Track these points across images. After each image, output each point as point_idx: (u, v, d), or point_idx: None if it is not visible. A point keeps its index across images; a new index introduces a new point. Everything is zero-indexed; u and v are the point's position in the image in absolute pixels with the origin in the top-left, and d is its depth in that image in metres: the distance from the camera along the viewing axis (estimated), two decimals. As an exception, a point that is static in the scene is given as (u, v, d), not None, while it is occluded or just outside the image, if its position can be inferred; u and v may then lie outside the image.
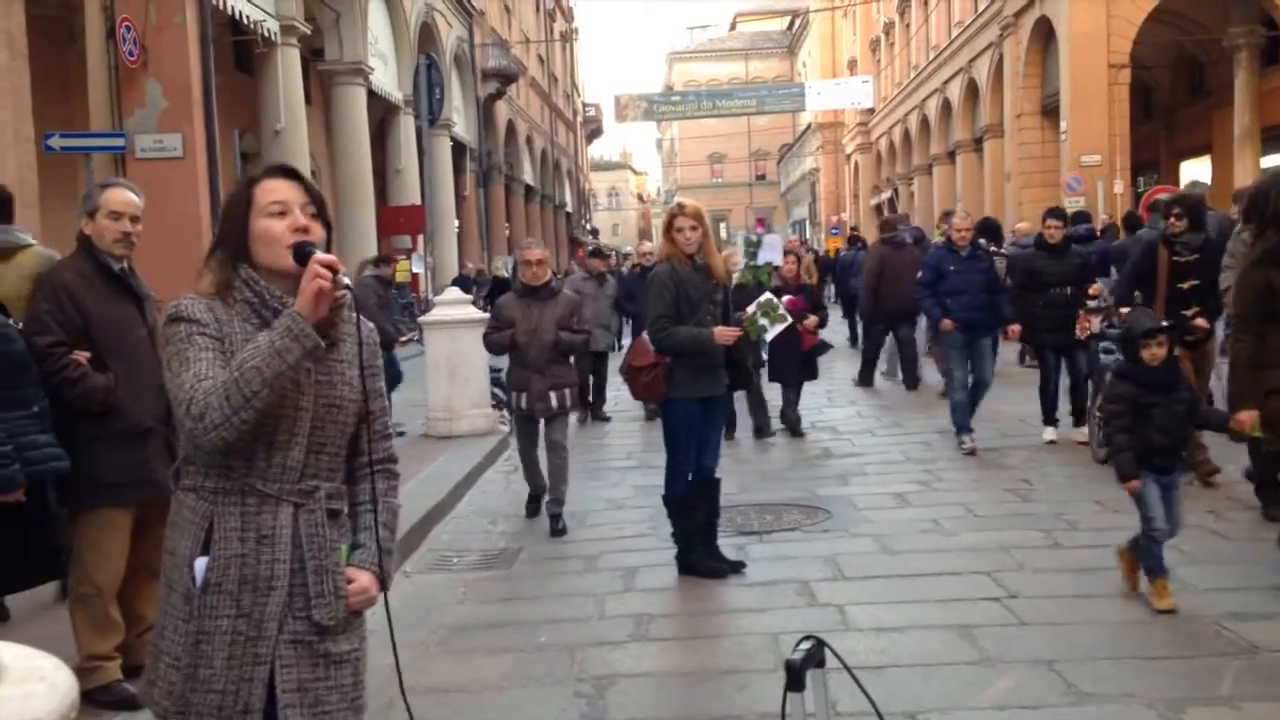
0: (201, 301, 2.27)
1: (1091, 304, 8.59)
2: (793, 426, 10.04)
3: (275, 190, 2.34)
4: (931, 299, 9.02)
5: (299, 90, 15.39)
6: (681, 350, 5.71)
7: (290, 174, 2.40)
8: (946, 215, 14.26)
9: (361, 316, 2.37)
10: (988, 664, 4.40)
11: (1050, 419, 8.88)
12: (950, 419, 9.04)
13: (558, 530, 6.89)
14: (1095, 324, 8.37)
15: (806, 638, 2.13)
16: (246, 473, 2.25)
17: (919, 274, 9.55)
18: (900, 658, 4.47)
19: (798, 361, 9.85)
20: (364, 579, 2.39)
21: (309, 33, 15.82)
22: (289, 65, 14.94)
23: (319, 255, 2.24)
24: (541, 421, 7.13)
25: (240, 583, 2.23)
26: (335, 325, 2.32)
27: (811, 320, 9.45)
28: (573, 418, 11.22)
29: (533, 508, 7.43)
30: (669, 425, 5.92)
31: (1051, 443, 8.68)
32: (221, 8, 12.72)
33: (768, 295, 8.01)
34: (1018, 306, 8.82)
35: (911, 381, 12.51)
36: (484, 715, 4.16)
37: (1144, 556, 5.04)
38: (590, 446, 10.36)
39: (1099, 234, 13.73)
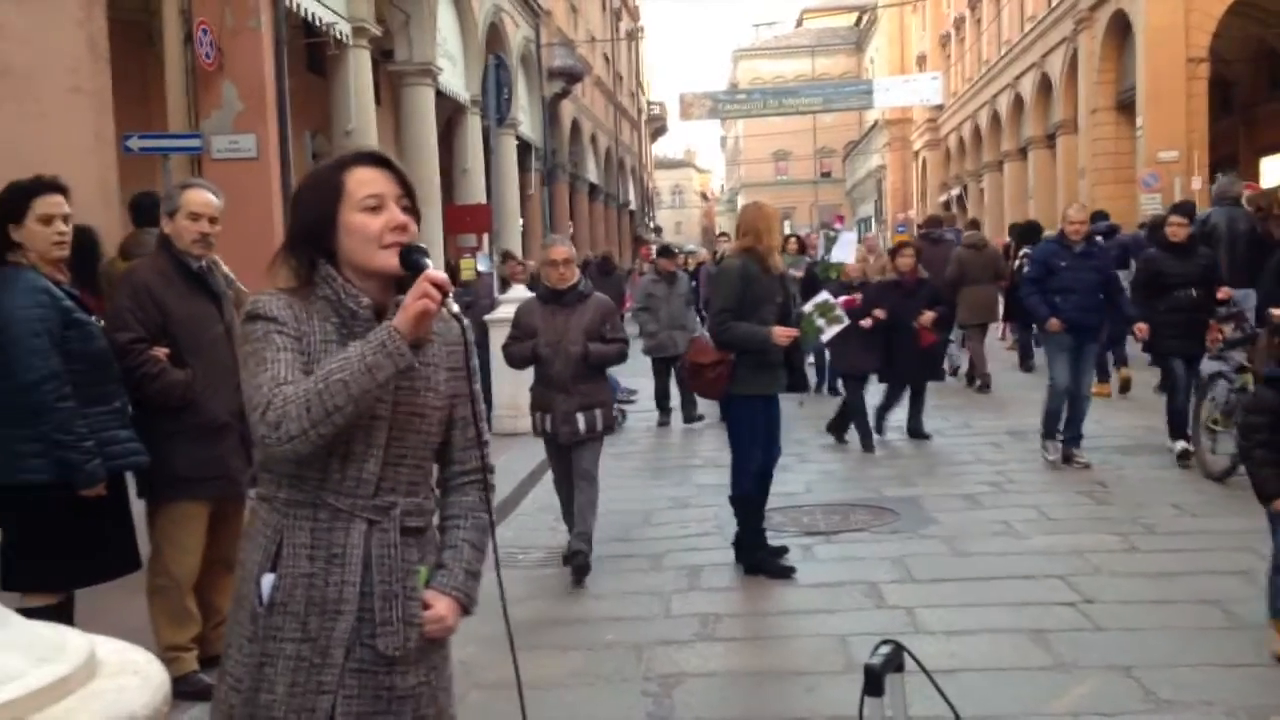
0: (281, 298, 2.12)
1: (1222, 310, 8.05)
2: (918, 435, 9.48)
3: (370, 181, 2.15)
4: (1038, 296, 8.24)
5: (369, 91, 15.55)
6: (739, 346, 5.71)
7: (382, 161, 2.21)
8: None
9: (462, 314, 2.17)
10: (1062, 669, 4.32)
11: (1182, 432, 7.96)
12: (1041, 423, 8.41)
13: (580, 570, 5.86)
14: (1229, 331, 7.90)
15: (885, 642, 2.10)
16: (319, 485, 2.10)
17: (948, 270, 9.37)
18: (971, 662, 4.41)
19: (916, 361, 9.36)
20: (442, 606, 2.19)
21: (379, 34, 16.00)
22: (360, 66, 15.11)
23: (432, 274, 2.06)
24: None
25: (307, 604, 2.08)
26: (426, 334, 2.13)
27: (928, 316, 9.17)
28: (650, 423, 11.21)
29: (577, 567, 5.94)
30: (734, 422, 5.91)
31: (1185, 454, 7.80)
32: (295, 10, 12.92)
33: (825, 296, 7.97)
34: (1140, 311, 8.12)
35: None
36: (553, 712, 4.16)
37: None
38: (655, 445, 10.38)
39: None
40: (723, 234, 17.43)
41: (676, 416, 11.10)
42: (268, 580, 2.09)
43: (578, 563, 5.86)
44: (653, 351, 11.15)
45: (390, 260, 2.13)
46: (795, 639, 4.91)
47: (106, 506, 3.83)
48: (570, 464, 6.10)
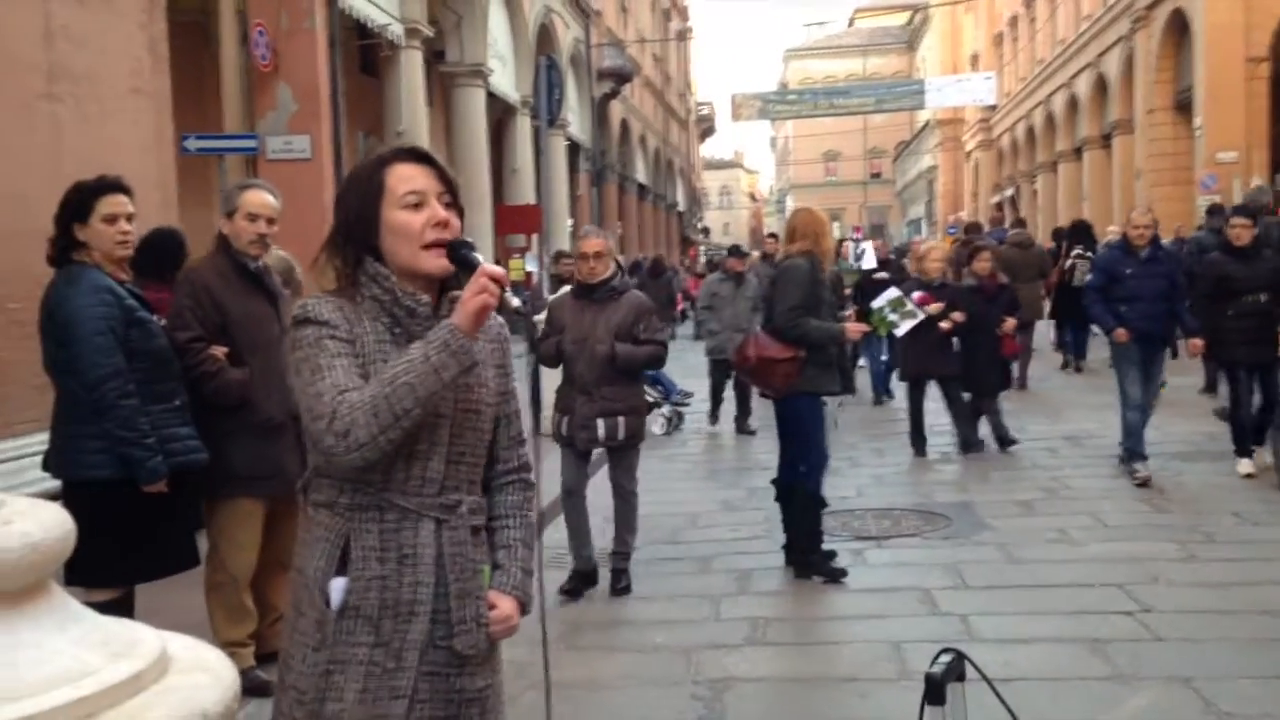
0: (330, 301, 2.06)
1: None
2: (1005, 438, 9.08)
3: (411, 178, 2.09)
4: (1102, 305, 7.83)
5: (421, 92, 15.67)
6: (811, 342, 5.74)
7: (423, 158, 2.15)
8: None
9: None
10: (1120, 680, 4.24)
11: (1245, 449, 7.63)
12: (1120, 443, 7.99)
13: (620, 589, 5.73)
14: None
15: (945, 650, 2.08)
16: (384, 486, 2.04)
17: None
18: (1027, 671, 4.34)
19: (999, 368, 9.17)
20: (506, 605, 2.17)
21: (432, 35, 16.12)
22: (412, 68, 15.24)
23: (489, 268, 2.02)
24: (601, 457, 5.94)
25: (380, 608, 2.02)
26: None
27: (1010, 323, 9.02)
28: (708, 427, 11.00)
29: (574, 586, 5.75)
30: (804, 420, 5.86)
31: (1250, 476, 7.47)
32: (348, 12, 13.05)
33: (897, 292, 7.92)
34: (1204, 318, 7.79)
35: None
36: (602, 713, 4.17)
37: None
38: (705, 448, 10.35)
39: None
40: (771, 235, 17.19)
41: (726, 420, 10.99)
42: (337, 584, 2.03)
43: (619, 585, 5.74)
44: (712, 352, 10.90)
45: (433, 262, 2.08)
46: (847, 645, 4.86)
47: (167, 503, 3.88)
48: (585, 475, 5.86)
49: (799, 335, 5.70)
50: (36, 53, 6.40)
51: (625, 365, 5.56)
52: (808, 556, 5.86)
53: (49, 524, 1.10)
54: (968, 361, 8.86)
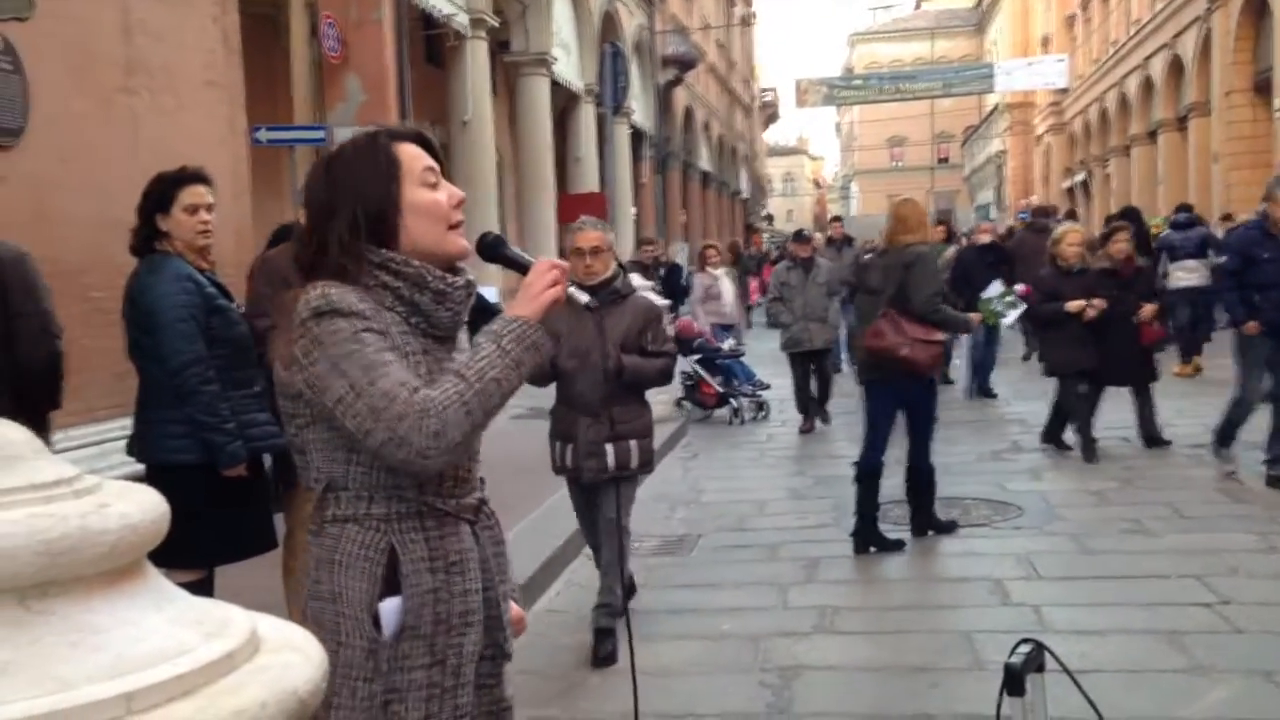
0: (351, 290, 1.83)
1: None
2: (1154, 437, 8.49)
3: (420, 155, 1.93)
4: (1236, 292, 7.30)
5: (486, 82, 15.76)
6: (946, 327, 6.21)
7: (416, 137, 1.99)
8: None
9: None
10: (1199, 673, 4.16)
11: None
12: (1214, 430, 7.64)
13: (603, 656, 4.59)
14: None
15: (1024, 640, 2.05)
16: (420, 490, 1.87)
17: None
18: (1103, 663, 4.27)
19: (1139, 359, 8.41)
20: (515, 608, 2.09)
21: (497, 25, 16.21)
22: (477, 58, 15.33)
23: (554, 260, 1.92)
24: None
25: (435, 623, 1.85)
26: None
27: (1149, 309, 8.31)
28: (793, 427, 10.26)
29: (601, 649, 4.65)
30: (927, 401, 6.18)
31: None
32: (415, 3, 13.16)
33: (1000, 284, 8.12)
34: None
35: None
36: (672, 701, 4.18)
37: None
38: (771, 435, 10.30)
39: None
40: (835, 219, 16.83)
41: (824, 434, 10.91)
42: (389, 606, 1.85)
43: (603, 650, 4.62)
44: (788, 345, 10.16)
45: (458, 244, 1.94)
46: (917, 634, 4.82)
47: (247, 487, 3.96)
48: (597, 517, 4.87)
49: (939, 320, 5.99)
50: (115, 47, 6.55)
51: (633, 380, 4.64)
52: (930, 518, 6.30)
53: (146, 505, 1.12)
54: (1106, 352, 8.15)
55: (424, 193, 1.90)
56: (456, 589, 1.87)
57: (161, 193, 3.86)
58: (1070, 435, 8.48)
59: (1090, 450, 8.16)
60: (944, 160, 77.08)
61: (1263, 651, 4.31)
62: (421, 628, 1.84)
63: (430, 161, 1.93)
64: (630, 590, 5.13)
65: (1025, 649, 2.00)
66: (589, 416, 4.68)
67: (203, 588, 3.83)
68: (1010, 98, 52.00)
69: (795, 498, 7.51)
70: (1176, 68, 30.00)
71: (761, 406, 11.20)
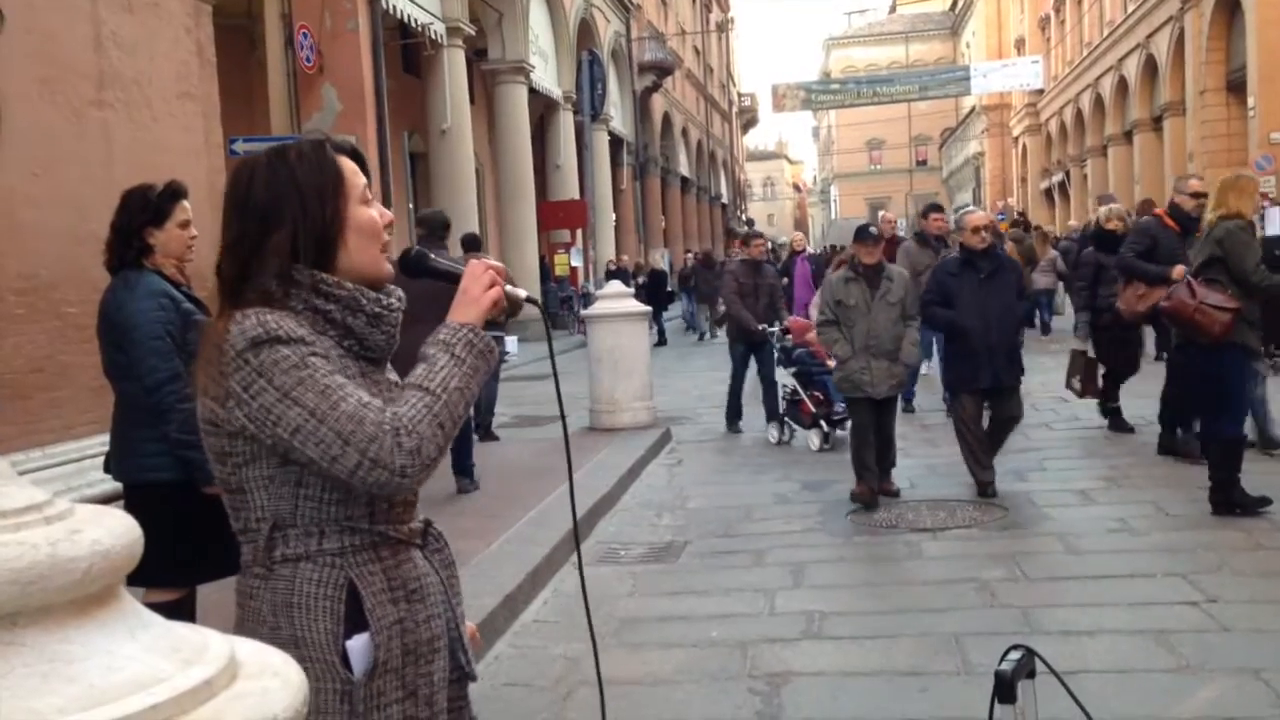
0: (287, 316, 1.72)
1: None
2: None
3: (355, 170, 1.84)
4: None
5: (464, 90, 15.76)
6: (1268, 296, 6.38)
7: (354, 154, 1.90)
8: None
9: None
10: (1188, 672, 4.16)
11: None
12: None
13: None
14: None
15: (1015, 647, 2.03)
16: (372, 519, 1.79)
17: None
18: (1091, 664, 4.26)
19: None
20: (469, 625, 2.03)
21: (473, 34, 16.18)
22: (454, 66, 15.32)
23: (488, 261, 1.87)
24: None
25: (404, 655, 1.79)
26: None
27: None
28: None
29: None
30: (1234, 371, 6.24)
31: None
32: (391, 12, 13.12)
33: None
34: None
35: None
36: (659, 709, 4.15)
37: None
38: (757, 442, 10.28)
39: None
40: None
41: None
42: (358, 644, 1.76)
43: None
44: (844, 386, 7.43)
45: (385, 265, 1.87)
46: (905, 638, 4.80)
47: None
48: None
49: (1267, 288, 6.17)
50: (87, 60, 6.49)
51: None
52: (1230, 495, 6.24)
53: (118, 531, 1.09)
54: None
55: (364, 210, 1.82)
56: (420, 617, 1.82)
57: (159, 205, 3.80)
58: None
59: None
60: (922, 162, 77.50)
61: (1251, 649, 4.31)
62: (391, 661, 1.77)
63: (362, 178, 1.85)
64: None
65: (1016, 655, 1.98)
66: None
67: (184, 607, 3.78)
68: (986, 100, 52.34)
69: (781, 503, 7.49)
70: (1150, 68, 30.25)
71: (828, 433, 9.41)
